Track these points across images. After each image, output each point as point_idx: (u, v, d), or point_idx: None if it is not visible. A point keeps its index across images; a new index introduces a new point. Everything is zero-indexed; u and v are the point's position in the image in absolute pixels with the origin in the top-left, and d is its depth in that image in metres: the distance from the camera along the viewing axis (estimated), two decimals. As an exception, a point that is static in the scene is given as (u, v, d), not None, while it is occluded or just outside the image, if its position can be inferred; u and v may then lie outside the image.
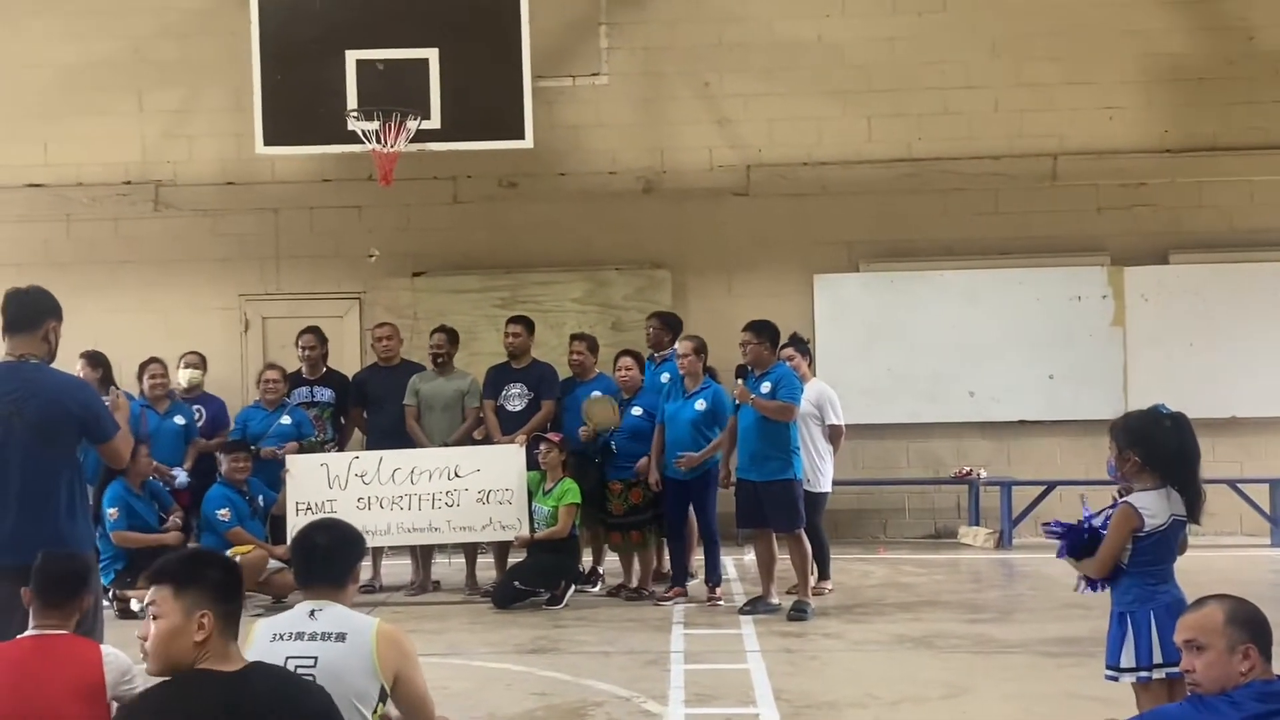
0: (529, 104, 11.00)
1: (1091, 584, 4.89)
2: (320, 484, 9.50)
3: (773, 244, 12.79)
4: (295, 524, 8.93)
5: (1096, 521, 4.83)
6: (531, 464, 9.49)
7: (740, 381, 8.89)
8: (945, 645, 7.89)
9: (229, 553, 8.94)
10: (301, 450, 9.84)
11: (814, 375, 9.96)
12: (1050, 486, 12.09)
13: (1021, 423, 12.66)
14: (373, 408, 10.34)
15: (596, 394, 9.74)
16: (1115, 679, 4.81)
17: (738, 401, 8.86)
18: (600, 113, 12.83)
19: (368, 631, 3.81)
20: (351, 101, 10.79)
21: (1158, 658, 4.65)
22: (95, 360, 9.62)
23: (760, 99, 12.82)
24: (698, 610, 9.07)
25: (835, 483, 9.87)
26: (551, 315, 12.20)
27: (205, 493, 9.57)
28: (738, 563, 10.87)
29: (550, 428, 9.76)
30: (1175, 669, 4.09)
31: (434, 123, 10.80)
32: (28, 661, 3.99)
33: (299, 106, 11.04)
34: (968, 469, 12.47)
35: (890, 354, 12.56)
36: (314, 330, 10.60)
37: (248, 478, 9.63)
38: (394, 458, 9.62)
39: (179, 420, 10.06)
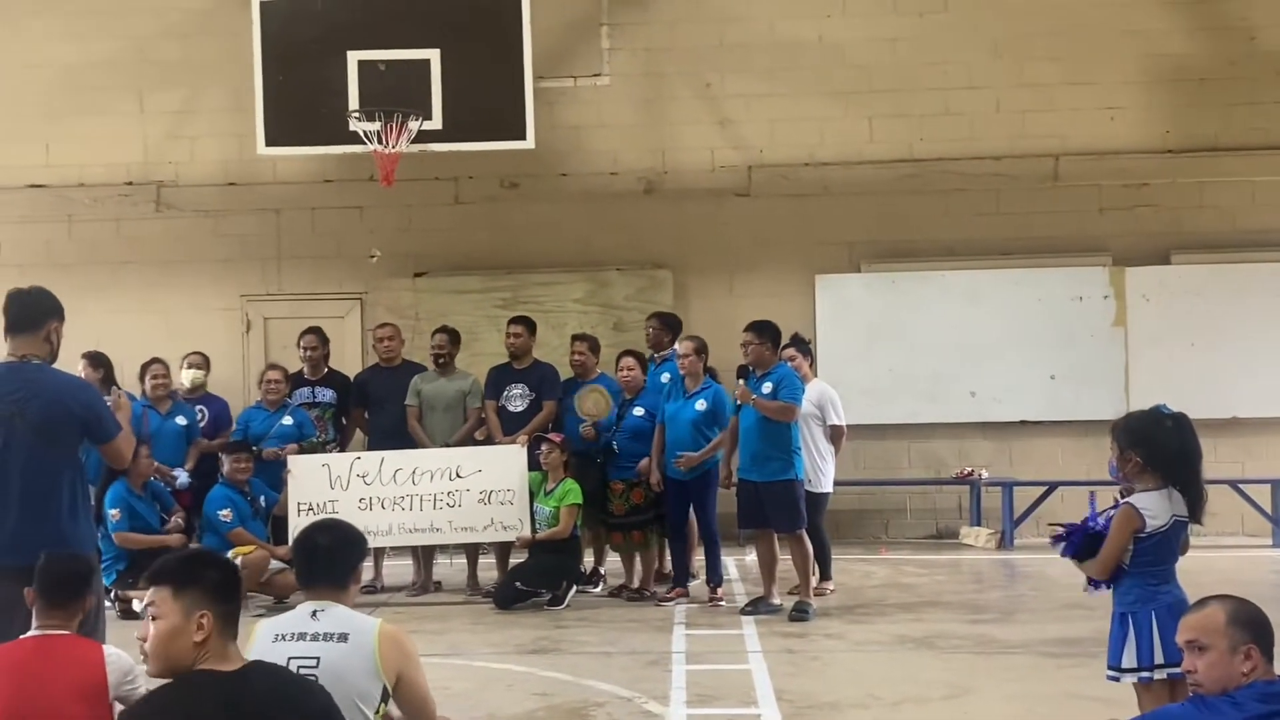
0: (530, 104, 11.01)
1: (1097, 584, 4.89)
2: (322, 484, 9.50)
3: (774, 244, 12.79)
4: (297, 524, 8.95)
5: (1099, 521, 4.83)
6: (533, 464, 9.49)
7: (742, 382, 8.89)
8: (947, 646, 7.89)
9: (231, 553, 8.95)
10: (303, 451, 9.84)
11: (815, 375, 9.97)
12: (1052, 487, 12.09)
13: (1023, 423, 12.66)
14: (374, 408, 10.34)
15: (586, 386, 9.75)
16: (1116, 679, 4.81)
17: (739, 402, 8.86)
18: (602, 113, 12.83)
19: (370, 632, 3.81)
20: (353, 102, 10.79)
21: (1159, 658, 4.65)
22: (97, 361, 9.63)
23: (762, 99, 12.82)
24: (699, 611, 9.07)
25: (837, 483, 9.87)
26: (553, 316, 12.20)
27: (207, 493, 9.58)
28: (739, 563, 10.87)
29: (552, 428, 9.76)
30: (1177, 669, 4.09)
31: (435, 123, 10.80)
32: (30, 662, 4.00)
33: (300, 107, 11.04)
34: (969, 469, 12.47)
35: (892, 354, 12.56)
36: (316, 331, 10.61)
37: (249, 478, 9.64)
38: (395, 458, 9.62)
39: (181, 421, 10.07)
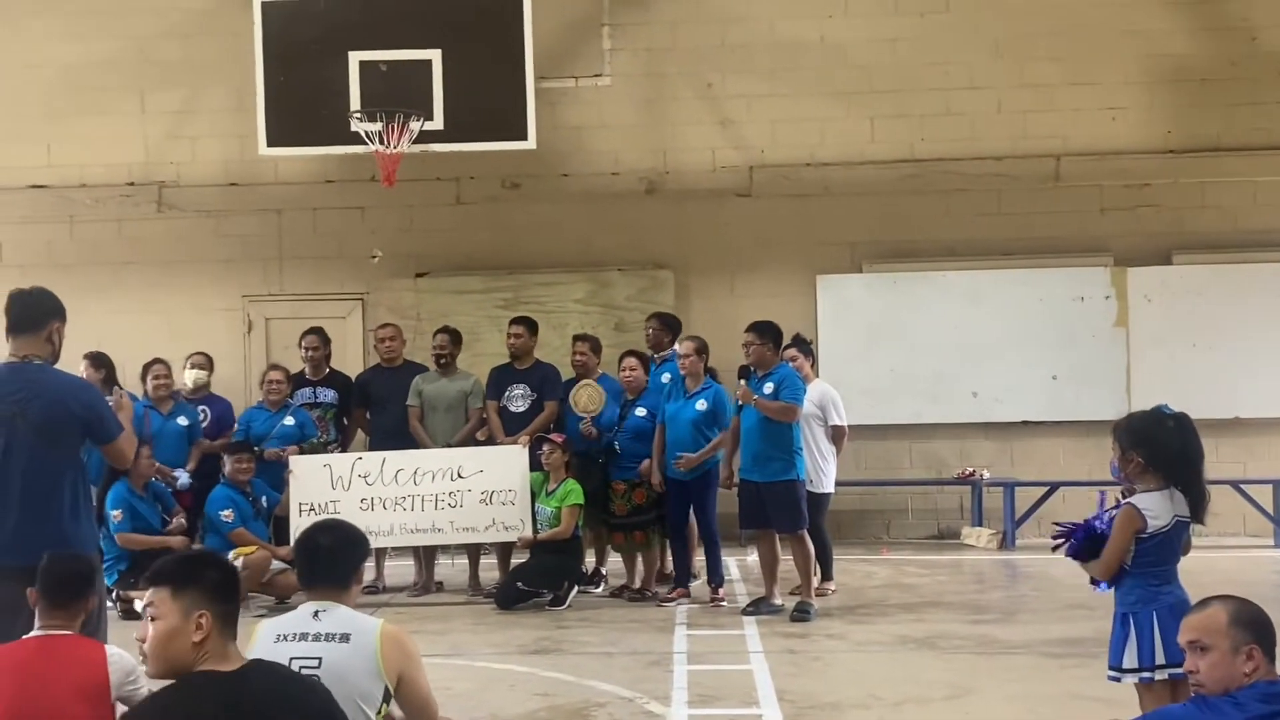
0: (532, 105, 11.01)
1: (1102, 583, 4.89)
2: (323, 485, 9.51)
3: (775, 245, 12.79)
4: (298, 525, 8.97)
5: (1104, 518, 4.82)
6: (534, 465, 9.50)
7: (743, 382, 8.89)
8: (948, 646, 7.88)
9: (232, 554, 8.97)
10: (304, 451, 9.84)
11: (817, 376, 9.97)
12: (1053, 487, 12.09)
13: (1024, 423, 12.66)
14: (375, 408, 10.34)
15: (579, 383, 9.77)
16: (1118, 680, 4.80)
17: (741, 402, 8.86)
18: (603, 113, 12.84)
19: (372, 632, 3.81)
20: (354, 102, 10.80)
21: (1160, 658, 4.65)
22: (98, 361, 9.62)
23: (763, 100, 12.83)
24: (700, 611, 9.07)
25: (838, 483, 9.86)
26: (554, 316, 12.20)
27: (208, 494, 9.58)
28: (741, 563, 10.87)
29: (553, 429, 9.76)
30: (1178, 670, 4.09)
31: (437, 123, 10.81)
32: (33, 661, 4.01)
33: (302, 107, 11.05)
34: (970, 470, 12.47)
35: (893, 354, 12.56)
36: (317, 331, 10.61)
37: (251, 479, 9.64)
38: (397, 459, 9.62)
39: (182, 421, 10.07)
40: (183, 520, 9.52)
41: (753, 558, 10.03)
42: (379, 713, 3.74)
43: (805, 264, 12.71)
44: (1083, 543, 4.82)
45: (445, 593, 9.98)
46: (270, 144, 11.21)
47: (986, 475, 12.41)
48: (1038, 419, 12.62)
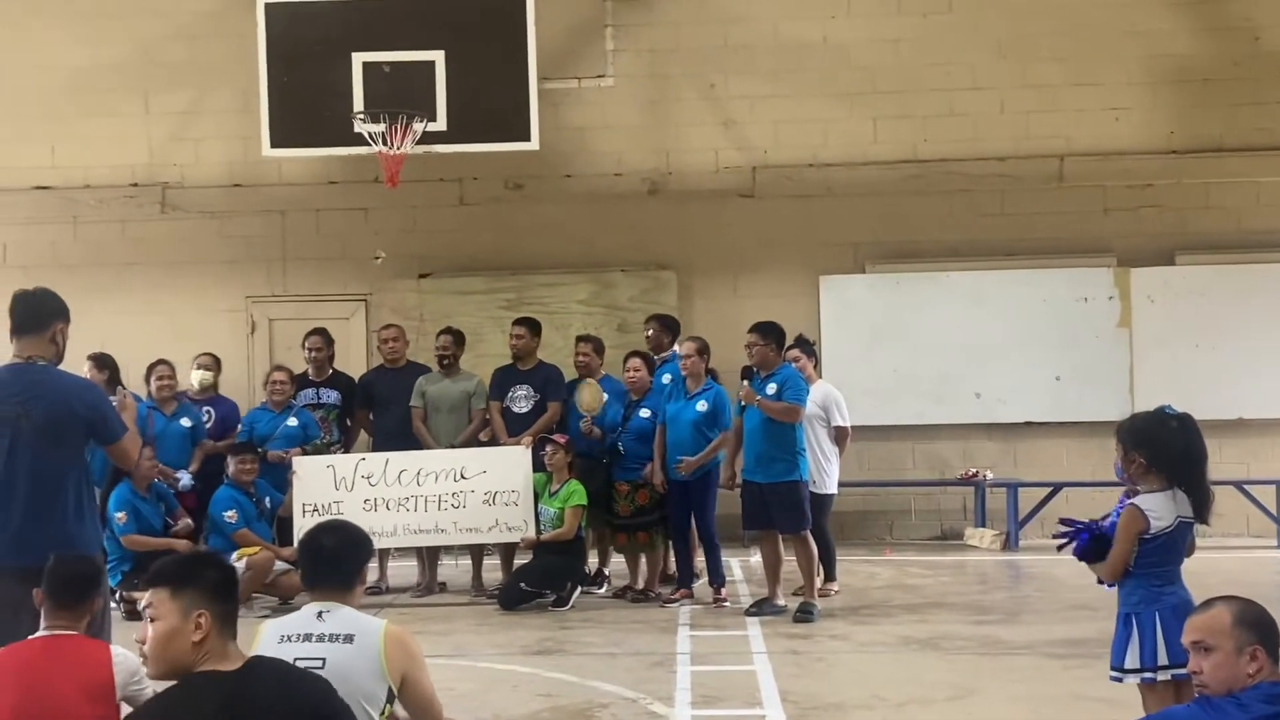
0: (535, 106, 11.03)
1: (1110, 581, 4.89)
2: (327, 486, 9.51)
3: (778, 245, 12.80)
4: (302, 526, 8.97)
5: (1112, 518, 4.82)
6: (538, 465, 9.50)
7: (746, 383, 8.89)
8: (951, 647, 7.88)
9: (236, 555, 8.98)
10: (307, 452, 9.85)
11: (819, 377, 9.97)
12: (1057, 488, 12.08)
13: (1028, 424, 12.66)
14: (379, 409, 10.34)
15: (580, 382, 9.77)
16: (1119, 680, 4.80)
17: (744, 403, 8.86)
18: (606, 114, 12.84)
19: (375, 633, 3.82)
20: (358, 103, 10.82)
21: (1163, 659, 4.64)
22: (102, 362, 9.63)
23: (766, 101, 12.83)
24: (704, 612, 9.07)
25: (841, 484, 9.87)
26: (557, 317, 12.20)
27: (212, 495, 9.59)
28: (744, 564, 10.87)
29: (556, 429, 9.77)
30: (1181, 670, 4.09)
31: (440, 125, 10.83)
32: (38, 661, 4.02)
33: (305, 109, 11.07)
34: (974, 470, 12.46)
35: (896, 355, 12.56)
36: (320, 332, 10.62)
37: (255, 479, 9.65)
38: (400, 459, 9.63)
39: (185, 423, 10.06)
40: (189, 522, 9.53)
41: (756, 559, 10.03)
42: (382, 713, 3.74)
43: (808, 265, 12.71)
44: (1089, 544, 4.82)
45: (448, 593, 9.99)
46: (274, 145, 11.24)
47: (990, 476, 12.40)
48: (1041, 420, 12.62)
